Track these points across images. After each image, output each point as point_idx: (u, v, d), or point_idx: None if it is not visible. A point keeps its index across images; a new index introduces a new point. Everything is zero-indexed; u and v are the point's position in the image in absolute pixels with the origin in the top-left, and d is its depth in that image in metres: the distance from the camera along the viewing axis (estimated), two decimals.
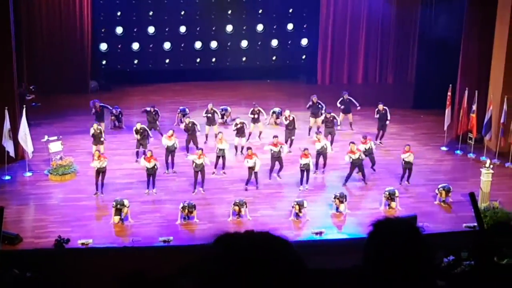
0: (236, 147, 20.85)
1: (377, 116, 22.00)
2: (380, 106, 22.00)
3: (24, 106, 19.65)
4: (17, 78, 20.64)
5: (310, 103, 22.70)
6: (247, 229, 2.13)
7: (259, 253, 1.95)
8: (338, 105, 22.90)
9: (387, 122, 21.90)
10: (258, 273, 1.91)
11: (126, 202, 16.92)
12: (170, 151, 19.64)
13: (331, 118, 21.46)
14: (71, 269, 10.63)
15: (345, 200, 17.49)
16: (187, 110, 23.47)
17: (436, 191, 18.17)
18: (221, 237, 2.02)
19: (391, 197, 17.62)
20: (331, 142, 20.85)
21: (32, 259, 11.65)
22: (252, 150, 18.74)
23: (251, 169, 18.51)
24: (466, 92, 21.29)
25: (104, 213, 17.45)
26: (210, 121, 21.96)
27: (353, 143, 19.12)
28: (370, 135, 20.74)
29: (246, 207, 17.10)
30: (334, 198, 17.49)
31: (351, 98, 23.10)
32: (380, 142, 21.87)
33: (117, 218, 16.80)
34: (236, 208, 17.00)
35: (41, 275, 9.87)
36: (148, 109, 22.25)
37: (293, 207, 17.12)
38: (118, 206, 16.81)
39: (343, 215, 17.44)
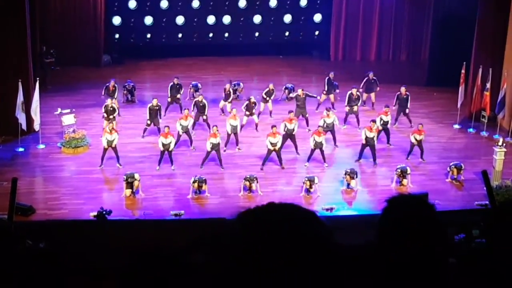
0: (241, 126, 20.22)
1: (398, 101, 21.35)
2: (403, 90, 21.38)
3: (38, 79, 19.71)
4: (34, 47, 20.60)
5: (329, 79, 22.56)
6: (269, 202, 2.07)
7: (285, 226, 1.91)
8: (362, 85, 22.65)
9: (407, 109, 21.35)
10: (284, 248, 1.87)
11: (136, 175, 17.00)
12: (185, 131, 19.51)
13: (356, 96, 21.27)
14: (83, 241, 10.73)
15: (356, 176, 17.49)
16: (199, 85, 23.40)
17: (448, 168, 18.13)
18: (243, 213, 1.98)
19: (403, 174, 17.61)
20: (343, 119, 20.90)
21: (45, 230, 11.76)
22: (277, 128, 18.56)
23: (273, 146, 18.34)
24: (480, 69, 21.11)
25: (116, 186, 17.57)
26: (226, 98, 21.88)
27: (373, 121, 19.07)
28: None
29: (257, 182, 17.13)
30: (345, 174, 17.49)
31: (375, 78, 22.84)
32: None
33: (128, 192, 16.91)
34: (247, 183, 17.03)
35: (54, 246, 9.97)
36: (173, 83, 22.09)
37: (303, 183, 17.15)
38: (129, 179, 16.90)
39: (354, 191, 17.47)
